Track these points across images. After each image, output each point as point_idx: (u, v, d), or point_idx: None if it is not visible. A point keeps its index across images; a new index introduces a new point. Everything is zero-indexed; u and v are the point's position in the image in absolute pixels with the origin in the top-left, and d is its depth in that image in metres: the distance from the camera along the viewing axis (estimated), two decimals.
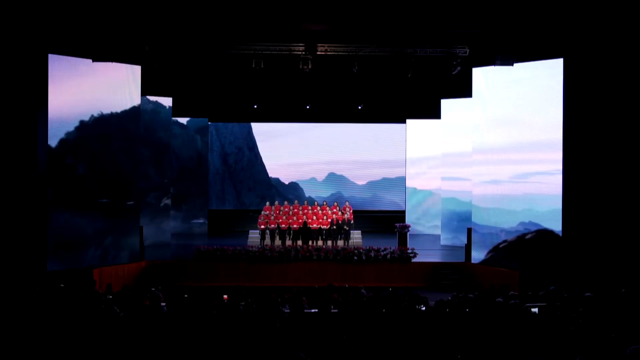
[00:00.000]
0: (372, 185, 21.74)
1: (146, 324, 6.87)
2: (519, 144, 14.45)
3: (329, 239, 17.17)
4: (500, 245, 14.85)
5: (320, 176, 21.67)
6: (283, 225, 17.03)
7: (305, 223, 16.84)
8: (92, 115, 14.61)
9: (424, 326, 6.92)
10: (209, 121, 21.17)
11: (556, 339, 5.95)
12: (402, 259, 15.54)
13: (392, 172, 21.58)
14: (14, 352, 5.60)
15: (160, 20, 14.27)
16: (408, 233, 16.79)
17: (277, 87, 19.51)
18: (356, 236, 17.89)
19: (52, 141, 13.89)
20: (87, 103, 14.51)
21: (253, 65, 16.13)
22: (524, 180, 14.38)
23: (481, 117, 15.22)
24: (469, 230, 15.53)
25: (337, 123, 21.30)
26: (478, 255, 15.25)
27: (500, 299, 8.51)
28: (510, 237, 14.67)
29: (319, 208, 17.70)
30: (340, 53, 16.30)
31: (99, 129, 14.73)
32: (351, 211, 17.77)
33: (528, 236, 14.32)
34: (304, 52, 16.07)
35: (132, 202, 15.19)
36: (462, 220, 17.46)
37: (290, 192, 21.36)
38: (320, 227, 17.07)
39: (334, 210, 17.63)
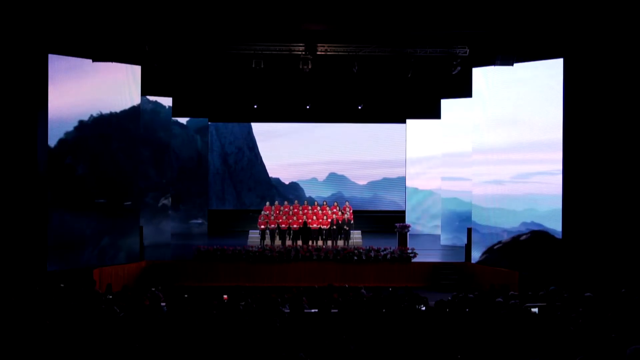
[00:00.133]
0: (373, 185, 21.74)
1: (146, 324, 6.87)
2: (519, 144, 14.45)
3: (329, 239, 17.17)
4: (495, 247, 14.86)
5: (321, 176, 21.67)
6: (283, 225, 17.03)
7: (305, 223, 16.84)
8: (92, 115, 14.61)
9: (424, 326, 6.92)
10: (209, 121, 21.17)
11: (556, 339, 5.95)
12: (402, 259, 15.54)
13: (393, 172, 21.57)
14: (14, 352, 5.60)
15: (160, 20, 14.27)
16: (408, 233, 16.79)
17: (277, 87, 19.51)
18: (356, 236, 17.89)
19: (52, 141, 13.89)
20: (87, 103, 14.50)
21: (253, 65, 16.13)
22: (524, 180, 14.38)
23: (481, 117, 15.22)
24: (469, 230, 15.53)
25: (337, 123, 21.29)
26: (478, 255, 15.26)
27: (500, 299, 8.51)
28: (505, 239, 14.69)
29: (319, 208, 17.71)
30: (340, 53, 16.30)
31: (98, 129, 14.73)
32: (351, 211, 17.77)
33: (522, 237, 14.33)
34: (304, 52, 16.07)
35: (129, 203, 15.17)
36: (462, 220, 17.46)
37: (291, 192, 21.36)
38: (320, 227, 17.07)
39: (334, 210, 17.63)
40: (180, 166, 20.67)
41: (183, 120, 20.67)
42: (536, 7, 13.00)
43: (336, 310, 7.92)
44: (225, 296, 9.68)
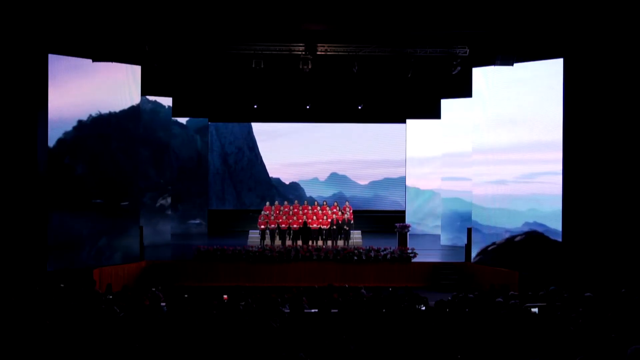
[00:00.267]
0: (374, 185, 21.74)
1: (146, 324, 6.87)
2: (519, 144, 14.45)
3: (329, 239, 17.17)
4: (489, 248, 14.87)
5: (323, 176, 21.66)
6: (283, 225, 17.03)
7: (305, 223, 16.84)
8: (91, 115, 14.59)
9: (424, 326, 6.92)
10: (208, 121, 21.16)
11: (556, 339, 5.94)
12: (402, 259, 15.54)
13: (394, 172, 21.56)
14: (14, 352, 5.60)
15: (160, 20, 14.27)
16: (408, 233, 16.79)
17: (277, 87, 19.51)
18: (356, 236, 17.89)
19: (51, 141, 13.87)
20: (87, 103, 14.49)
21: (253, 65, 16.14)
22: (524, 180, 14.38)
23: (481, 117, 15.22)
24: (469, 230, 15.52)
25: (337, 123, 21.28)
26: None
27: (500, 299, 8.51)
28: (501, 239, 14.69)
29: (319, 208, 17.70)
30: (340, 53, 16.30)
31: (98, 129, 14.72)
32: (351, 211, 17.77)
33: (517, 238, 14.34)
34: (304, 52, 16.07)
35: (126, 203, 15.16)
36: (463, 220, 17.45)
37: (291, 192, 21.36)
38: (320, 227, 17.07)
39: (334, 210, 17.63)
40: (180, 166, 20.66)
41: (183, 120, 20.67)
42: (536, 7, 13.00)
43: (336, 310, 7.91)
44: (225, 296, 9.68)
